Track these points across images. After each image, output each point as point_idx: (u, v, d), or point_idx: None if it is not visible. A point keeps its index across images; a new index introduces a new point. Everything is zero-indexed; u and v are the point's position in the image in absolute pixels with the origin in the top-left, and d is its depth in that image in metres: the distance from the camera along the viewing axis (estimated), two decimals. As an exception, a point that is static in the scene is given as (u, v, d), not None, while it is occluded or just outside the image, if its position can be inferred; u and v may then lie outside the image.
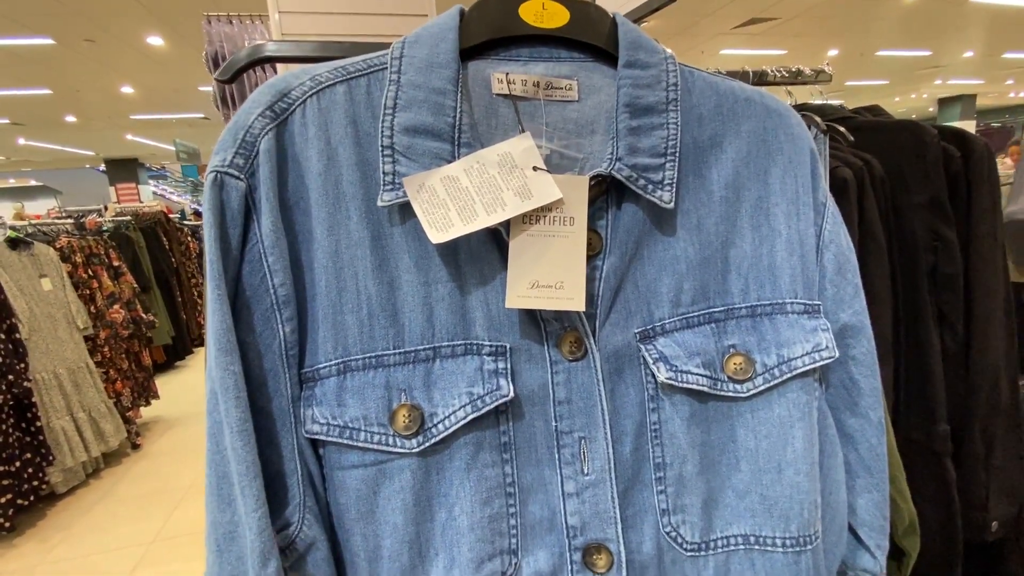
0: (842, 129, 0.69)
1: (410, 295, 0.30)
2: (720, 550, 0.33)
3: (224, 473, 0.28)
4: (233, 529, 0.28)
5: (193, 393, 3.03)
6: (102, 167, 8.73)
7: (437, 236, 0.29)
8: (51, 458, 2.04)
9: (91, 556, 1.89)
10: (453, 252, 0.31)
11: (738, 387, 0.33)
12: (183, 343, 3.31)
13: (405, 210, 0.30)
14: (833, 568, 0.36)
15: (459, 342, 0.31)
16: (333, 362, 0.30)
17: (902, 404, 0.71)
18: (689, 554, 0.33)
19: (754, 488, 0.33)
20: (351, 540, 0.30)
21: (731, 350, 0.33)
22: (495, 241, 0.31)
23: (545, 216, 0.31)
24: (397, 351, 0.30)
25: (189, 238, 3.65)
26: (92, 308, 2.36)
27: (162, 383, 2.89)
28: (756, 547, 0.33)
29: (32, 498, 2.01)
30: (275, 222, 0.29)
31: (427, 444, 0.29)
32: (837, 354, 0.33)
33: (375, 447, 0.29)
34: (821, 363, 0.33)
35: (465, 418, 0.29)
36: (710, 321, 0.33)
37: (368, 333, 0.30)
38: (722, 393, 0.32)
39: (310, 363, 0.30)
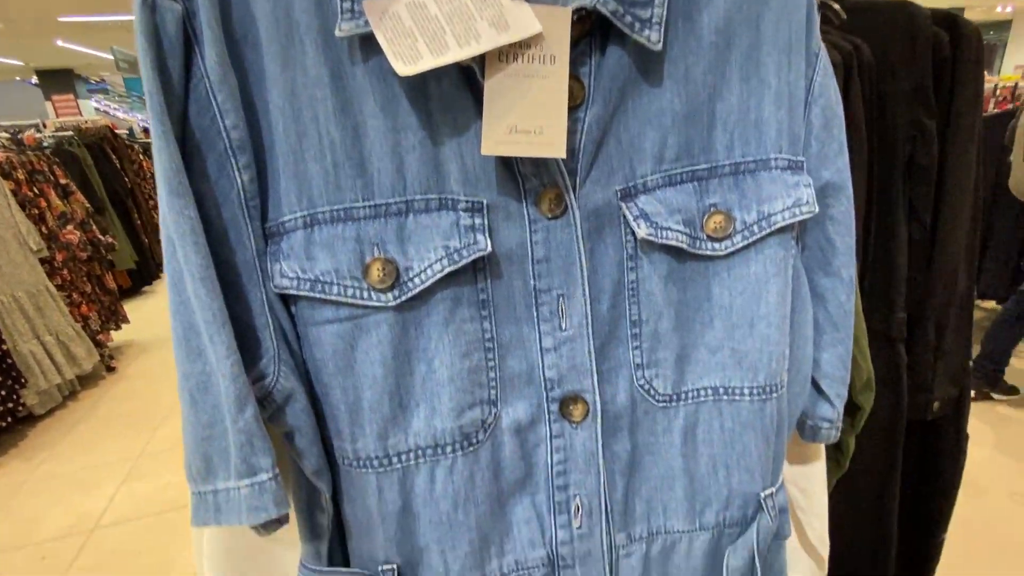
0: (836, 7, 0.65)
1: (378, 142, 0.28)
2: (690, 401, 0.35)
3: (190, 324, 0.27)
4: (206, 380, 0.27)
5: (164, 317, 2.98)
6: (34, 79, 7.91)
7: (405, 68, 0.26)
8: (23, 380, 2.02)
9: (80, 472, 1.93)
10: (423, 97, 0.28)
11: (716, 245, 0.32)
12: (148, 268, 3.21)
13: (368, 46, 0.27)
14: (795, 416, 0.38)
15: (433, 196, 0.29)
16: (299, 215, 0.28)
17: (866, 295, 0.74)
18: (661, 405, 0.34)
19: (726, 343, 0.34)
20: (330, 394, 0.30)
21: (712, 209, 0.32)
22: (469, 86, 0.29)
23: (523, 54, 0.28)
24: (367, 203, 0.28)
25: (141, 156, 3.41)
26: (43, 229, 2.24)
27: (131, 308, 2.82)
28: (725, 397, 0.35)
29: (9, 419, 2.01)
30: (221, 55, 0.26)
31: (403, 298, 0.29)
32: (817, 209, 0.33)
33: (350, 301, 0.28)
34: (801, 218, 0.32)
35: (441, 271, 0.28)
36: (693, 179, 0.32)
37: (334, 183, 0.28)
38: (700, 252, 0.32)
39: (274, 216, 0.28)
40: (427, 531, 0.32)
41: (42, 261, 2.19)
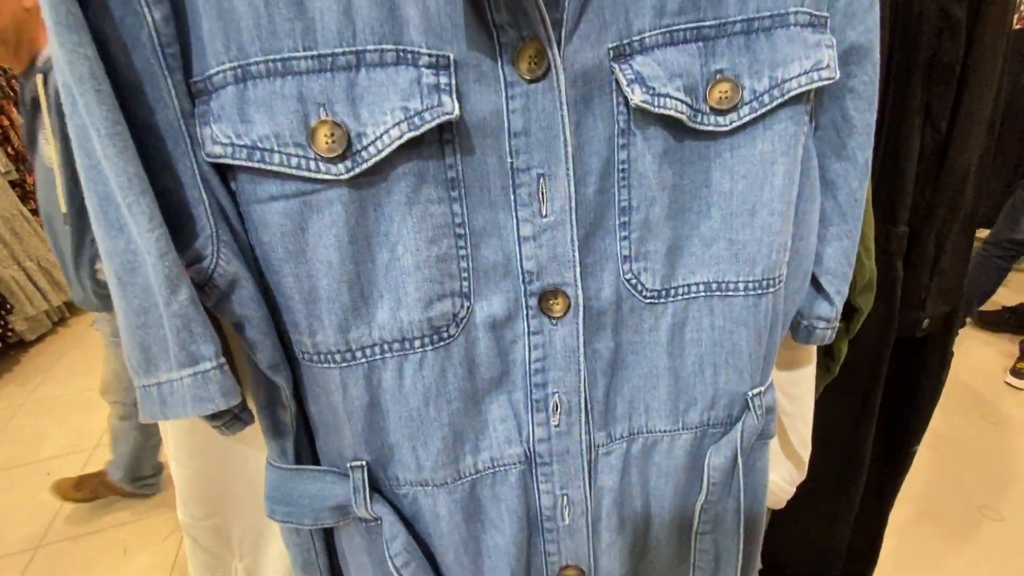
0: None
1: None
2: (680, 298, 0.32)
3: (106, 194, 0.23)
4: (131, 259, 0.24)
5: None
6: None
7: None
8: (9, 306, 2.00)
9: (76, 394, 1.96)
10: None
11: (720, 119, 0.28)
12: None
13: None
14: (790, 314, 0.36)
15: (388, 47, 0.24)
16: (227, 66, 0.24)
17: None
18: (648, 301, 0.32)
19: (723, 234, 0.31)
20: (283, 282, 0.27)
21: (718, 76, 0.28)
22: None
23: None
24: (308, 53, 0.24)
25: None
26: (9, 149, 2.12)
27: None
28: (717, 293, 0.32)
29: (1, 345, 2.01)
30: None
31: (357, 170, 0.25)
32: (838, 75, 0.29)
33: (295, 173, 0.25)
34: (819, 84, 0.28)
35: (400, 138, 0.24)
36: (698, 38, 0.27)
37: (268, 27, 0.23)
38: (701, 127, 0.28)
39: (199, 70, 0.24)
40: (397, 428, 0.30)
41: (12, 184, 2.09)
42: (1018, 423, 1.66)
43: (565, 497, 0.34)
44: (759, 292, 0.32)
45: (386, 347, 0.28)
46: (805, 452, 0.47)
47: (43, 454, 1.74)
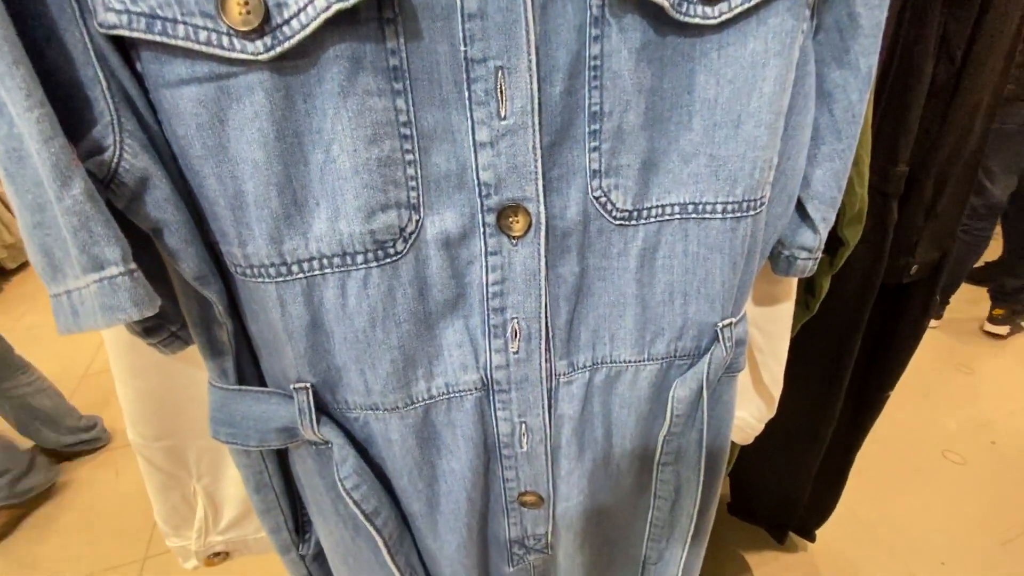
0: None
1: None
2: (652, 220, 0.30)
3: None
4: (17, 145, 0.21)
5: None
6: None
7: None
8: (-17, 233, 1.94)
9: (61, 323, 1.95)
10: None
11: (707, 10, 0.25)
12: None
13: None
14: (770, 242, 0.34)
15: None
16: None
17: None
18: (617, 223, 0.29)
19: (703, 149, 0.28)
20: (205, 184, 0.24)
21: None
22: None
23: None
24: None
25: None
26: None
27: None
28: (693, 216, 0.29)
29: (-22, 271, 1.97)
30: None
31: (279, 49, 0.21)
32: None
33: (205, 50, 0.21)
34: None
35: (327, 9, 0.21)
36: None
37: None
38: (686, 19, 0.24)
39: None
40: (342, 350, 0.28)
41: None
42: (990, 371, 1.70)
43: (523, 425, 0.33)
44: (738, 215, 0.29)
45: (325, 262, 0.26)
46: (776, 390, 0.46)
47: (30, 382, 1.75)
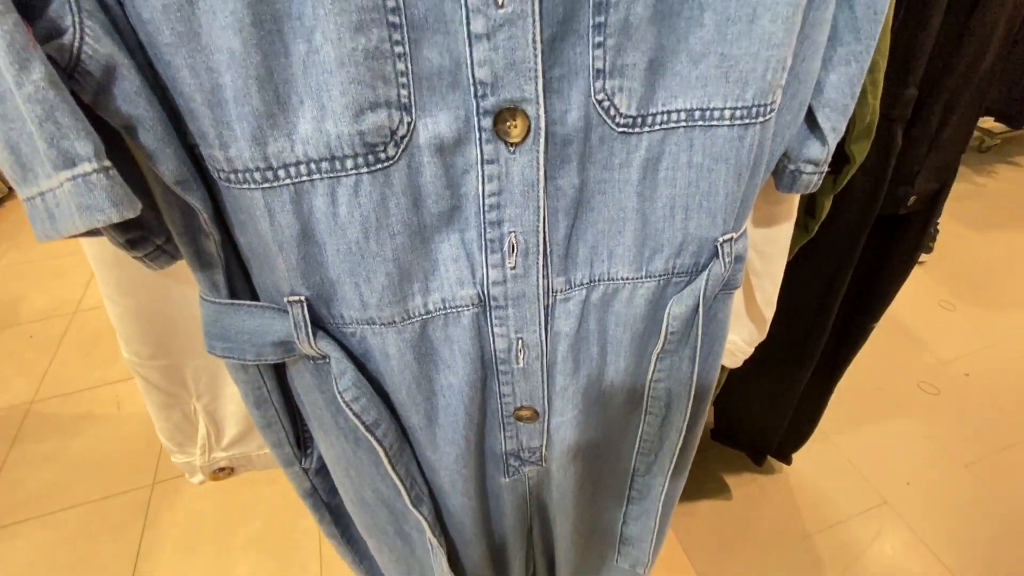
0: None
1: None
2: (657, 127, 0.28)
3: None
4: None
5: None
6: None
7: None
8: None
9: (48, 260, 1.92)
10: None
11: None
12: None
13: None
14: (776, 154, 0.33)
15: None
16: None
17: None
18: (620, 130, 0.28)
19: (714, 47, 0.26)
20: (178, 76, 0.22)
21: None
22: None
23: None
24: None
25: None
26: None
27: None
28: (700, 123, 0.28)
29: (-48, 208, 1.90)
30: None
31: None
32: None
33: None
34: None
35: None
36: None
37: None
38: None
39: None
40: (335, 262, 0.28)
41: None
42: (971, 308, 1.74)
43: (520, 341, 0.33)
44: (747, 121, 0.28)
45: (313, 166, 0.25)
46: (769, 313, 0.47)
47: (23, 318, 1.75)
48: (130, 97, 0.22)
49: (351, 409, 0.31)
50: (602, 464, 0.44)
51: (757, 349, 0.55)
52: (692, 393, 0.38)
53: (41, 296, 1.78)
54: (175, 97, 0.23)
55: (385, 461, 0.33)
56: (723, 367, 0.64)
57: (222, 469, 0.43)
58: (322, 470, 0.42)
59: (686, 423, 0.40)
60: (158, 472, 1.32)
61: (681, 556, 1.15)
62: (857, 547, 1.15)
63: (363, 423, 0.32)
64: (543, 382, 0.35)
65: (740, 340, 0.50)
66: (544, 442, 0.39)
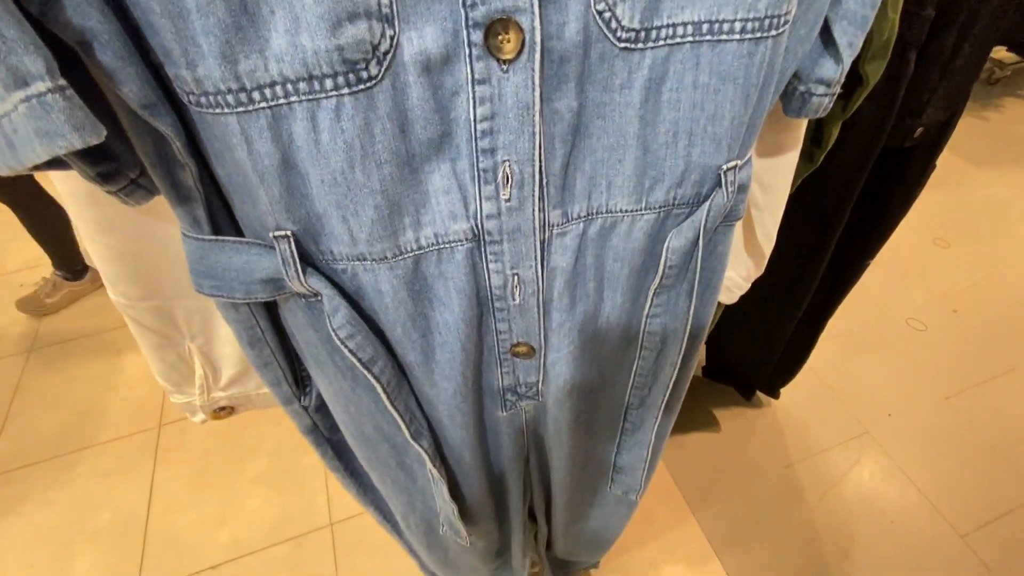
0: None
1: None
2: (662, 43, 0.26)
3: None
4: None
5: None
6: None
7: None
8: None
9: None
10: None
11: None
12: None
13: None
14: (787, 73, 0.31)
15: None
16: None
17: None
18: (622, 46, 0.26)
19: None
20: None
21: None
22: None
23: None
24: None
25: None
26: None
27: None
28: (708, 37, 0.26)
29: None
30: None
31: None
32: None
33: None
34: None
35: None
36: None
37: None
38: None
39: None
40: (321, 194, 0.26)
41: None
42: (966, 245, 1.75)
43: (515, 277, 0.33)
44: (758, 35, 0.26)
45: (290, 87, 0.23)
46: (768, 248, 0.46)
47: (9, 267, 1.73)
48: (81, 7, 0.20)
49: (347, 347, 0.31)
50: (597, 398, 0.45)
51: (751, 286, 0.55)
52: (688, 329, 0.38)
53: (25, 247, 1.75)
54: (131, 8, 0.21)
55: (384, 397, 0.34)
56: (718, 303, 0.64)
57: (222, 408, 0.43)
58: (322, 407, 0.43)
59: (680, 358, 0.40)
60: (164, 414, 1.36)
61: (670, 483, 1.21)
62: (836, 474, 1.22)
63: (359, 360, 0.31)
64: (539, 318, 0.35)
65: (737, 276, 0.50)
66: (540, 378, 0.40)
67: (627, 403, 0.46)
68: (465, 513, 0.50)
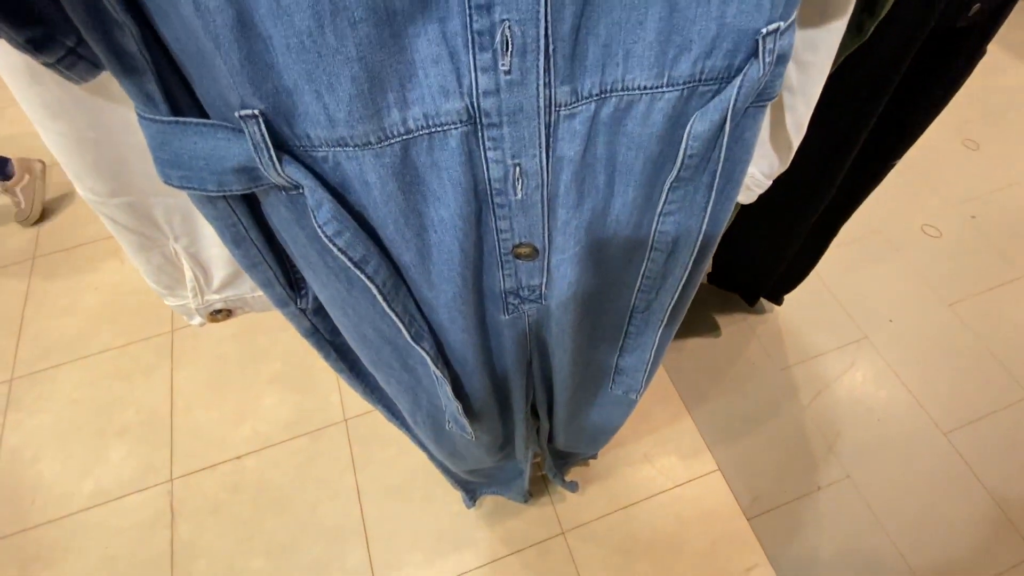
0: None
1: None
2: None
3: None
4: None
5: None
6: None
7: None
8: None
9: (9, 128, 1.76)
10: None
11: None
12: None
13: None
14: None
15: None
16: None
17: None
18: None
19: None
20: None
21: None
22: None
23: None
24: None
25: None
26: None
27: None
28: None
29: None
30: None
31: None
32: None
33: None
34: None
35: None
36: None
37: None
38: None
39: None
40: (288, 62, 0.22)
41: None
42: (997, 147, 1.65)
43: (517, 168, 0.29)
44: None
45: (235, -84, 0.18)
46: (797, 139, 0.42)
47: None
48: None
49: (335, 245, 0.28)
50: (602, 302, 0.44)
51: (776, 183, 0.51)
52: (703, 228, 0.35)
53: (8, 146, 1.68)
54: None
55: (380, 299, 0.32)
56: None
57: (219, 311, 0.42)
58: (320, 310, 0.42)
59: (692, 260, 0.38)
60: (175, 320, 1.38)
61: (668, 384, 1.26)
62: (831, 376, 1.25)
63: (351, 260, 0.29)
64: (543, 216, 0.32)
65: (759, 172, 0.46)
66: (544, 280, 0.38)
67: (632, 307, 0.45)
68: (469, 411, 0.52)
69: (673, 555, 1.04)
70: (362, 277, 0.30)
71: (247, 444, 1.19)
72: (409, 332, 0.36)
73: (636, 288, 0.42)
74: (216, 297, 0.41)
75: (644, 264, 0.39)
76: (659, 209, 0.35)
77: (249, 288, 0.42)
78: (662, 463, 1.15)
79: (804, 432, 1.18)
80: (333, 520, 1.08)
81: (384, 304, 0.32)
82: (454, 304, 0.36)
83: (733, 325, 1.34)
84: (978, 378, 1.24)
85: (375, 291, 0.31)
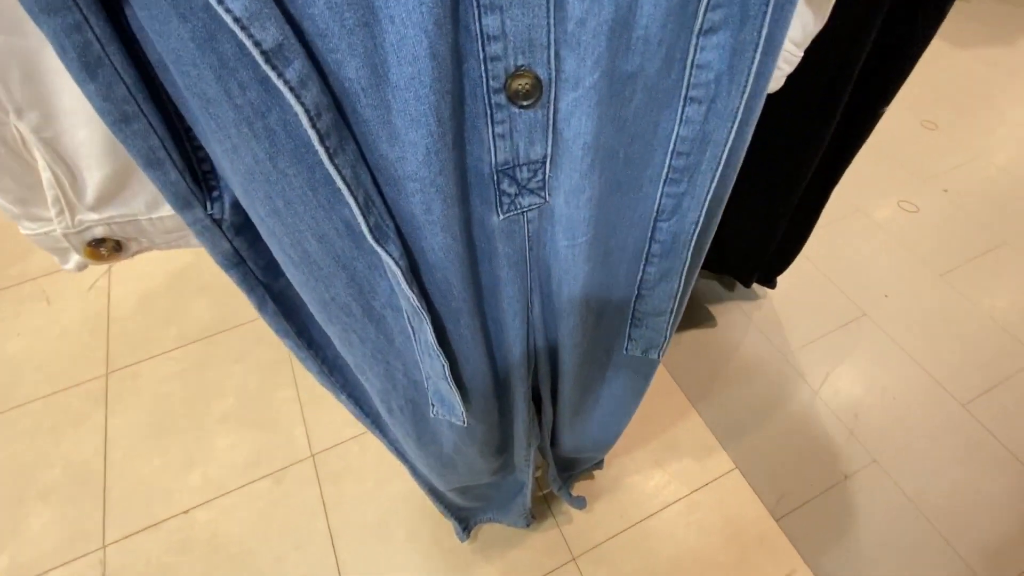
0: None
1: None
2: None
3: None
4: None
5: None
6: None
7: None
8: None
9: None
10: None
11: None
12: None
13: None
14: None
15: None
16: None
17: None
18: None
19: None
20: None
21: None
22: None
23: None
24: None
25: None
26: None
27: None
28: None
29: None
30: None
31: None
32: None
33: None
34: None
35: None
36: None
37: None
38: None
39: None
40: None
41: None
42: (953, 126, 1.68)
43: None
44: None
45: None
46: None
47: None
48: None
49: (245, 30, 0.18)
50: (620, 201, 0.34)
51: (761, 146, 0.44)
52: (756, 61, 0.27)
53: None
54: None
55: (317, 142, 0.21)
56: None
57: (101, 241, 0.30)
58: (244, 228, 0.30)
59: (739, 116, 0.29)
60: (110, 362, 1.21)
61: (669, 382, 1.16)
62: (837, 357, 1.18)
63: (267, 59, 0.19)
64: (548, 12, 0.23)
65: (791, 43, 0.38)
66: (549, 149, 0.28)
67: (658, 208, 0.35)
68: (457, 378, 0.40)
69: (700, 571, 0.91)
70: (288, 95, 0.20)
71: (196, 495, 1.01)
72: (366, 219, 0.25)
73: (667, 161, 0.32)
74: (94, 217, 0.29)
75: (680, 111, 0.29)
76: (697, 25, 0.26)
77: (143, 204, 0.30)
78: (674, 467, 1.03)
79: (819, 418, 1.09)
80: (303, 572, 0.91)
81: (324, 154, 0.22)
82: (427, 172, 0.25)
83: (728, 314, 1.26)
84: (985, 346, 1.19)
85: (306, 122, 0.21)
